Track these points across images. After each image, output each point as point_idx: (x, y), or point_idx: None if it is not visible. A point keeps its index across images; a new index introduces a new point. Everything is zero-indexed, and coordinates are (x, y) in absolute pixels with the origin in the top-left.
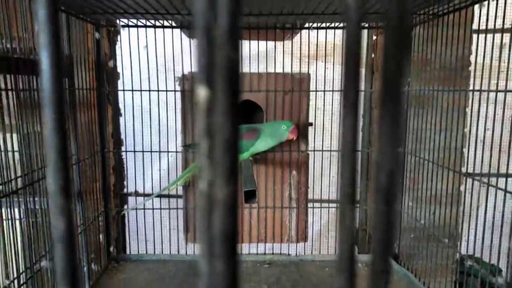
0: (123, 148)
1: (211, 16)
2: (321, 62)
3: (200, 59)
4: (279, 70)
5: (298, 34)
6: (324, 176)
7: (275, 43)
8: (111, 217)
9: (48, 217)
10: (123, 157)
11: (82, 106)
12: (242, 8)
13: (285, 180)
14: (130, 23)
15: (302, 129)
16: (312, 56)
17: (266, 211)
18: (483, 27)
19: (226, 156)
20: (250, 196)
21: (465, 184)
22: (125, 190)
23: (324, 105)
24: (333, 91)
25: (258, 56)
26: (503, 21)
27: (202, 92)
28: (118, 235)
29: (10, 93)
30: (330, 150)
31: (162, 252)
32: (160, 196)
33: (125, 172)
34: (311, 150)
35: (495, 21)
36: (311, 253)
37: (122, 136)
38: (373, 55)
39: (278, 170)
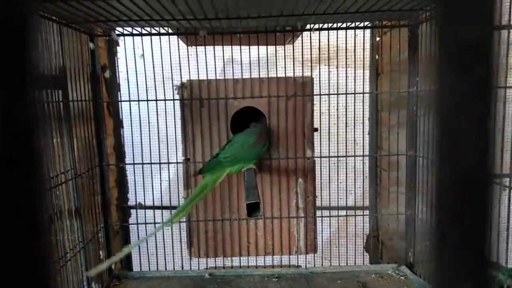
0: (125, 161)
1: None
2: (324, 65)
3: None
4: (281, 75)
5: (300, 38)
6: (332, 182)
7: (275, 47)
8: (113, 233)
9: None
10: (126, 170)
11: (79, 119)
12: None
13: (291, 189)
14: (125, 32)
15: (308, 134)
16: (315, 60)
17: (273, 221)
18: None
19: None
20: (254, 209)
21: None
22: (128, 202)
23: (329, 109)
24: (337, 94)
25: (259, 62)
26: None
27: None
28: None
29: None
30: (337, 156)
31: (165, 268)
32: (162, 208)
33: (127, 185)
34: (317, 157)
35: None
36: (321, 264)
37: (124, 148)
38: (377, 56)
39: (283, 178)
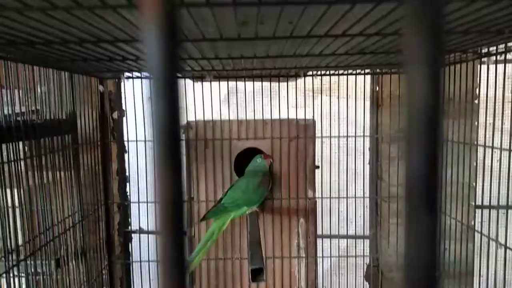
0: (130, 199)
1: None
2: (325, 96)
3: None
4: (283, 104)
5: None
6: (333, 211)
7: (279, 84)
8: (116, 270)
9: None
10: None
11: (86, 159)
12: None
13: (293, 229)
14: (134, 75)
15: (309, 175)
16: (316, 90)
17: (274, 261)
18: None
19: None
20: (257, 273)
21: (475, 218)
22: (129, 227)
23: (330, 150)
24: (339, 137)
25: (262, 91)
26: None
27: None
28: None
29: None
30: (338, 197)
31: None
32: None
33: (130, 211)
34: (318, 197)
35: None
36: None
37: (129, 186)
38: (377, 88)
39: (285, 218)
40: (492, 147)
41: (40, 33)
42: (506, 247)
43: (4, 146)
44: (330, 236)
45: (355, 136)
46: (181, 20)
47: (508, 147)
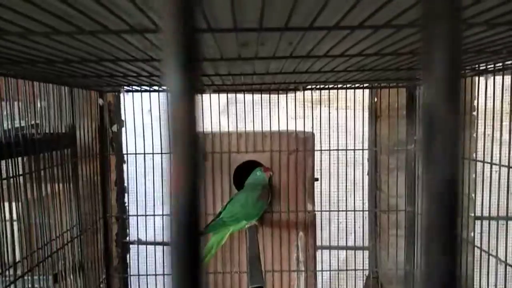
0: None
1: None
2: (324, 106)
3: None
4: (282, 114)
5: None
6: (332, 222)
7: (278, 95)
8: (114, 283)
9: None
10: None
11: (85, 171)
12: None
13: (292, 242)
14: (134, 88)
15: (308, 188)
16: (315, 101)
17: (273, 275)
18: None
19: None
20: None
21: (474, 229)
22: (127, 238)
23: (329, 161)
24: (338, 150)
25: (261, 101)
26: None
27: None
28: None
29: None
30: (338, 211)
31: None
32: (163, 244)
33: (128, 222)
34: (318, 211)
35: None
36: None
37: (128, 198)
38: (375, 99)
39: (284, 231)
40: (491, 162)
41: (42, 54)
42: (506, 264)
43: (3, 162)
44: (330, 248)
45: (354, 150)
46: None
47: (507, 159)
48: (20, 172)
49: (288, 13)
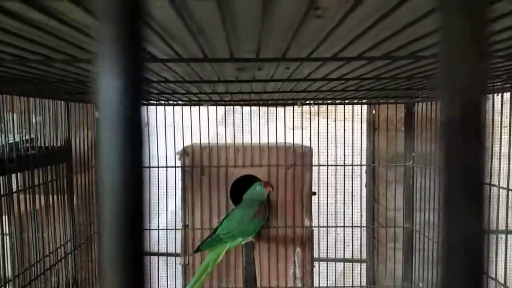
0: None
1: None
2: (322, 118)
3: None
4: (280, 125)
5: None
6: (330, 234)
7: (276, 108)
8: None
9: None
10: None
11: (80, 181)
12: None
13: (289, 258)
14: None
15: (306, 203)
16: (313, 113)
17: None
18: None
19: None
20: None
21: None
22: None
23: (327, 173)
24: (336, 165)
25: (259, 111)
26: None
27: None
28: None
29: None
30: (336, 226)
31: None
32: (158, 255)
33: None
34: (315, 226)
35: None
36: None
37: None
38: (374, 112)
39: (281, 247)
40: (491, 174)
41: (40, 76)
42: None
43: None
44: (327, 260)
45: (352, 165)
46: (180, 69)
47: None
48: (14, 190)
49: (286, 46)
